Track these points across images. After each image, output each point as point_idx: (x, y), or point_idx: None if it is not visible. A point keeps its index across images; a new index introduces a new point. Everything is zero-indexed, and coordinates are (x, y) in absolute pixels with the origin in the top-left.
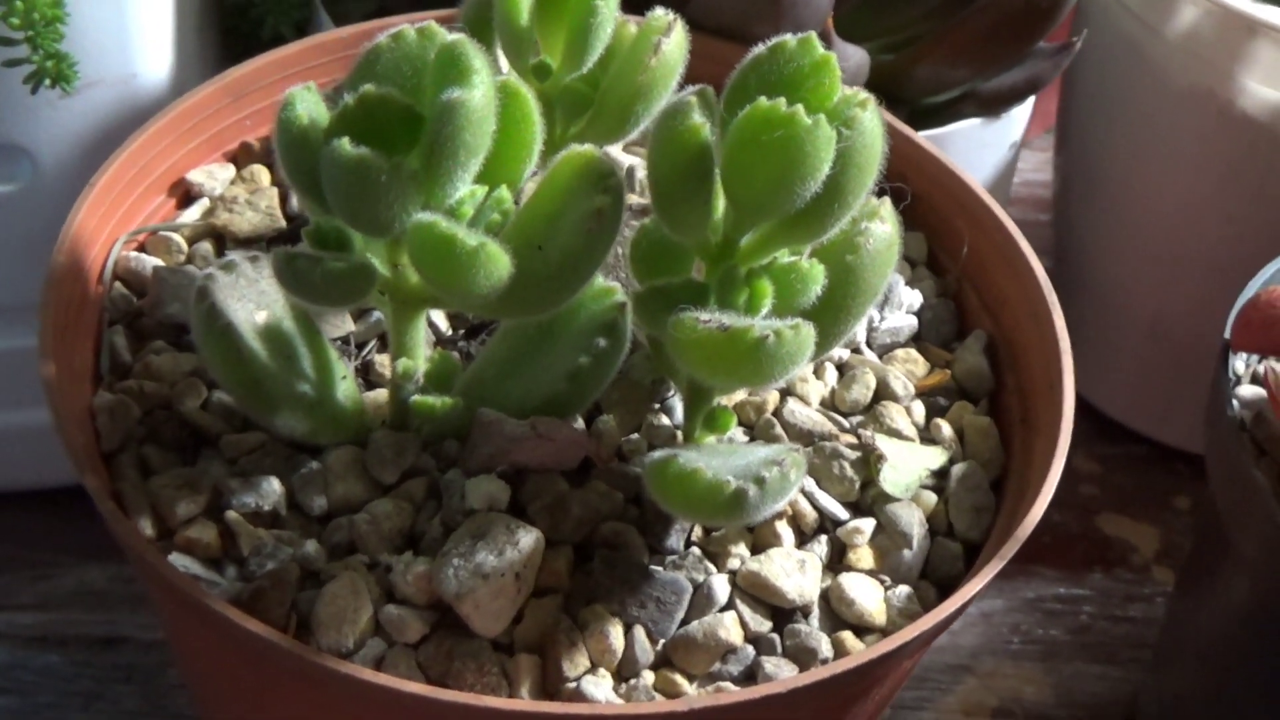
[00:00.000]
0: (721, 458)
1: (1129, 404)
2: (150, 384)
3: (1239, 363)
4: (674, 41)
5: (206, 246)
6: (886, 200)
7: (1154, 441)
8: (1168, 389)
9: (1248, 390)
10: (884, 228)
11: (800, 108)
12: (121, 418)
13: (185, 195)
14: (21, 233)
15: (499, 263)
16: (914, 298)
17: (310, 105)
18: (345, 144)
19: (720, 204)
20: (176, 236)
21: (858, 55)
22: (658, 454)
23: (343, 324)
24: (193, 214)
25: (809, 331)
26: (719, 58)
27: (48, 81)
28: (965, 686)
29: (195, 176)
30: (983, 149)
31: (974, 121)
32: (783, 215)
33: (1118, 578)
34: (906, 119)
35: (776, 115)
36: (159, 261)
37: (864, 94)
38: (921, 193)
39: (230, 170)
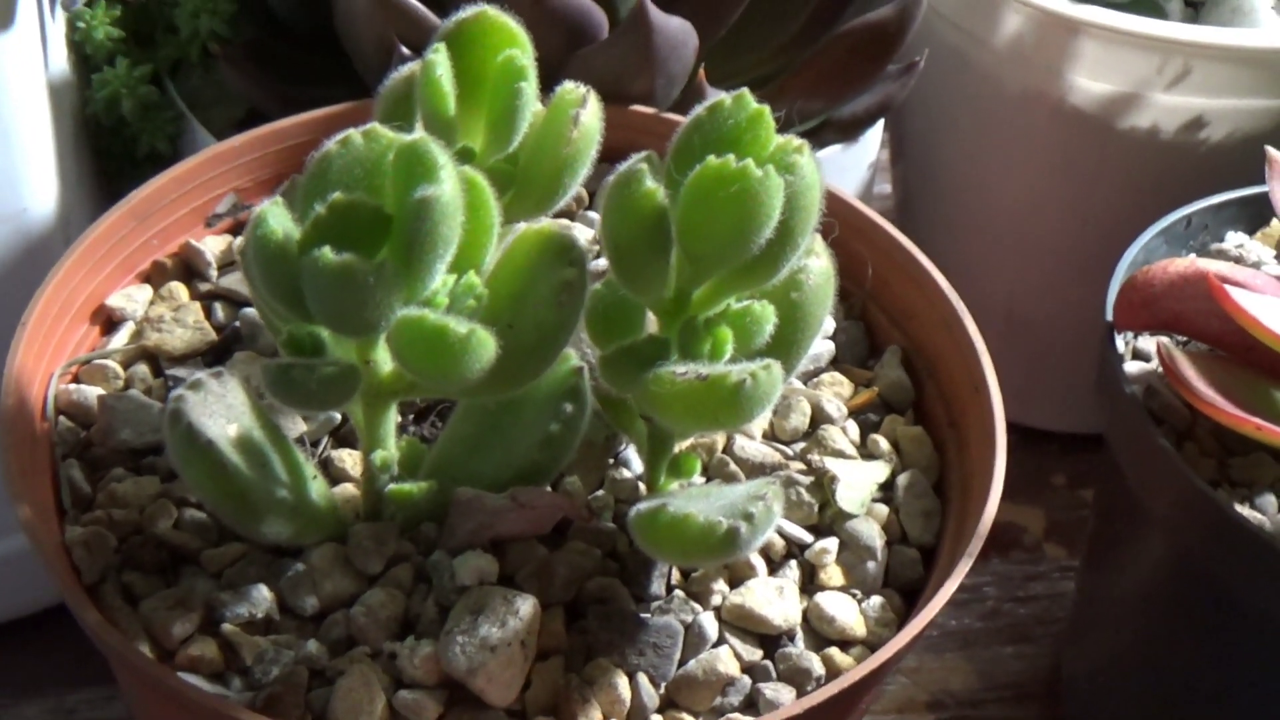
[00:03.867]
0: (702, 500)
1: None
2: (118, 511)
3: (1119, 342)
4: (591, 112)
5: (143, 369)
6: (817, 236)
7: (1020, 426)
8: (1028, 374)
9: (1132, 367)
10: (820, 262)
11: (750, 161)
12: (99, 549)
13: (108, 321)
14: None
15: (488, 346)
16: (828, 324)
17: (281, 219)
18: (328, 253)
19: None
20: (111, 363)
21: None
22: (642, 505)
23: (295, 426)
24: (121, 338)
25: (779, 369)
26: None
27: None
28: (895, 686)
29: (115, 301)
30: (845, 173)
31: (835, 148)
32: (738, 264)
33: (1014, 560)
34: None
35: (729, 171)
36: (100, 390)
37: (797, 140)
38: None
39: (147, 291)
